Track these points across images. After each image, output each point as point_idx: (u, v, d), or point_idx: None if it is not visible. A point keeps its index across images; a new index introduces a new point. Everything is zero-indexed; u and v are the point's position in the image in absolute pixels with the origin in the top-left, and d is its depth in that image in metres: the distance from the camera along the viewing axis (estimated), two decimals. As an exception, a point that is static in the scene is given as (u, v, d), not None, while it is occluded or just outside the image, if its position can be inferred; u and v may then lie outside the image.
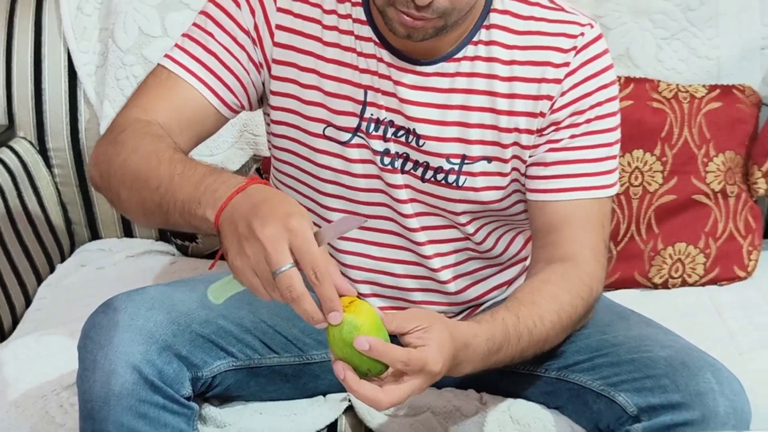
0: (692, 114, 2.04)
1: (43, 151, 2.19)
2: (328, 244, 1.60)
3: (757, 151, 2.08)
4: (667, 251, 2.02)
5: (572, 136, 1.53)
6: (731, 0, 2.13)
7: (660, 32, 2.12)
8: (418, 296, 1.66)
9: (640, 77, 2.07)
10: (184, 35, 1.56)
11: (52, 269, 2.15)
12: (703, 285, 2.04)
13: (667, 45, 2.13)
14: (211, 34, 1.54)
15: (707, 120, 2.04)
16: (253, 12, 1.54)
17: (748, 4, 2.14)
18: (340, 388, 1.64)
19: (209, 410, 1.57)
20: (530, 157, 1.55)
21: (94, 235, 2.26)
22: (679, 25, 2.12)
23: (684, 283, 2.04)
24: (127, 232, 2.25)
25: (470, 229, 1.60)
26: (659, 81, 2.06)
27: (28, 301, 2.03)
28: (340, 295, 1.19)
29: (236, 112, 1.58)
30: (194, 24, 1.57)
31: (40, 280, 2.09)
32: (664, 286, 2.04)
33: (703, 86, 2.08)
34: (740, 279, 2.05)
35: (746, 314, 1.90)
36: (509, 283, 1.72)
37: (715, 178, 2.04)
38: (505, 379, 1.59)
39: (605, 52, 1.55)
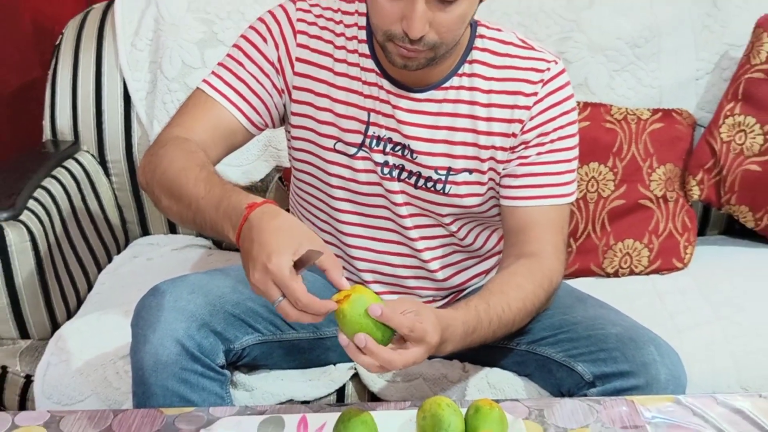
0: (638, 133, 2.03)
1: (102, 162, 2.18)
2: (338, 239, 1.62)
3: (692, 163, 2.08)
4: (617, 246, 2.02)
5: (538, 153, 1.53)
6: (671, 39, 2.13)
7: (612, 65, 2.12)
8: (411, 283, 1.65)
9: (596, 102, 2.06)
10: (219, 64, 1.56)
11: (109, 260, 2.14)
12: (647, 274, 2.03)
13: (618, 76, 2.12)
14: (241, 64, 1.54)
15: (651, 138, 2.04)
16: (277, 46, 1.54)
17: (685, 43, 2.14)
18: (348, 359, 1.65)
19: (239, 377, 1.58)
20: (504, 169, 1.54)
21: (145, 231, 2.25)
22: (627, 59, 2.12)
23: (631, 273, 2.03)
24: (172, 229, 2.25)
25: (454, 227, 1.60)
26: (611, 105, 2.05)
27: (90, 286, 2.03)
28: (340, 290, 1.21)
29: (261, 130, 1.58)
30: (228, 55, 1.56)
31: (99, 268, 2.09)
32: (615, 275, 2.03)
33: (648, 110, 2.07)
34: (678, 269, 2.04)
35: (683, 299, 1.90)
36: (487, 272, 1.72)
37: (658, 185, 2.03)
38: (483, 351, 1.57)
39: (567, 84, 1.54)
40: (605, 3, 2.12)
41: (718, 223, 2.25)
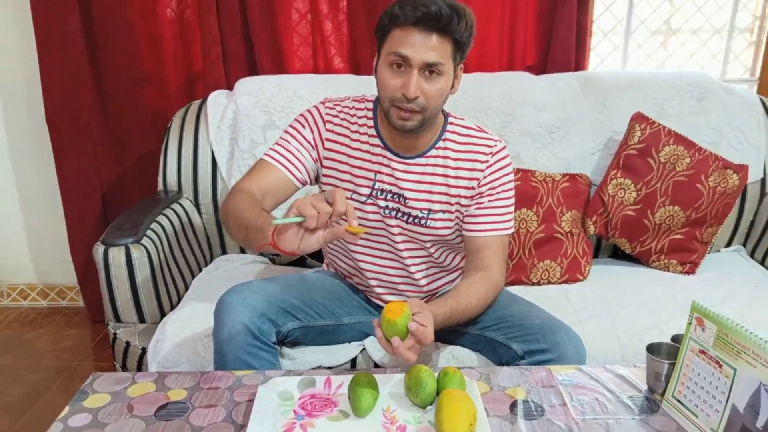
0: (553, 189, 2.03)
1: (197, 205, 2.18)
2: (352, 259, 1.60)
3: (589, 210, 2.09)
4: (539, 264, 2.01)
5: (489, 200, 1.53)
6: (575, 128, 2.14)
7: (536, 144, 2.13)
8: (402, 287, 1.64)
9: (525, 168, 2.07)
10: (275, 143, 1.56)
11: (200, 270, 2.13)
12: (559, 284, 2.02)
13: (539, 151, 2.13)
14: (289, 142, 1.54)
15: (562, 193, 2.04)
16: (312, 131, 1.55)
17: (584, 130, 2.14)
18: (359, 338, 1.65)
19: (285, 350, 1.57)
20: (466, 211, 1.55)
21: (224, 251, 2.24)
22: (546, 140, 2.13)
23: (549, 282, 2.02)
24: (242, 250, 2.24)
25: (432, 250, 1.60)
26: (535, 171, 2.06)
27: (186, 288, 2.01)
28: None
29: (303, 184, 1.57)
30: (281, 137, 1.57)
31: (193, 276, 2.08)
32: (538, 284, 2.02)
33: (559, 174, 2.07)
34: (580, 281, 2.03)
35: (584, 300, 1.88)
36: (452, 281, 1.71)
37: (566, 224, 2.03)
38: (449, 334, 1.58)
39: (507, 155, 1.56)
40: (531, 104, 2.13)
41: (607, 249, 2.24)
